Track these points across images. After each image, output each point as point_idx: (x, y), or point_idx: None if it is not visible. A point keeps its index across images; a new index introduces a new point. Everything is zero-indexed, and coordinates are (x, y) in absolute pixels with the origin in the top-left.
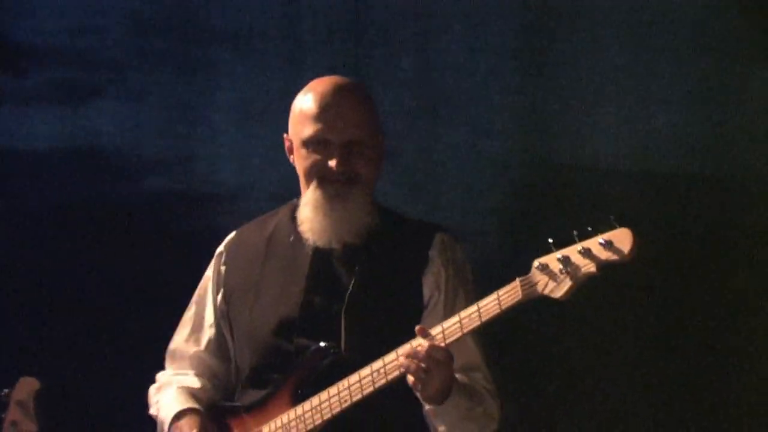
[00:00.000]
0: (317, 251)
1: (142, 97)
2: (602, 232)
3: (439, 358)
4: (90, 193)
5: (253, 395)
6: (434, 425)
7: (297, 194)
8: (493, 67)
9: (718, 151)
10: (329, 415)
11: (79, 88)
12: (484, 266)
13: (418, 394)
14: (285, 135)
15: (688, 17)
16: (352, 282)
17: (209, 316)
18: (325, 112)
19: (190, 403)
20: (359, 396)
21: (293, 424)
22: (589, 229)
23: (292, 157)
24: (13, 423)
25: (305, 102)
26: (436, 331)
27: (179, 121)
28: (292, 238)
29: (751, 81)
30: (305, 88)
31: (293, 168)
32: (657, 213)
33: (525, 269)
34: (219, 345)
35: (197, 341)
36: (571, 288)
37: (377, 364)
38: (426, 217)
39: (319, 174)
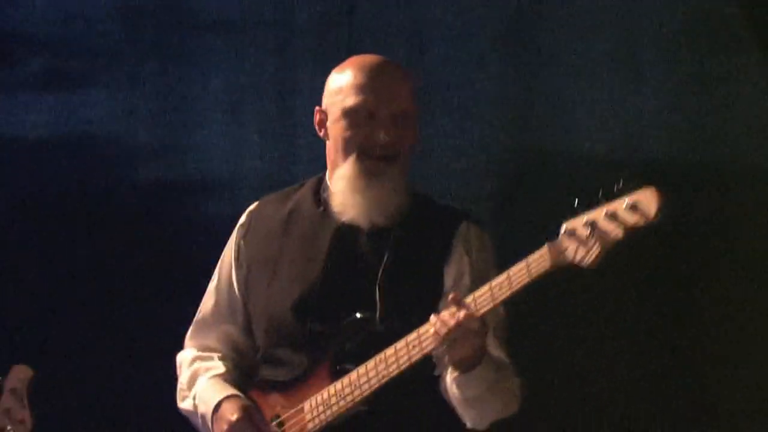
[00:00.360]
0: (339, 229)
1: (133, 85)
2: (628, 192)
3: (473, 328)
4: (82, 182)
5: (276, 373)
6: (458, 396)
7: (288, 181)
8: (484, 55)
9: (706, 138)
10: (368, 390)
11: (70, 76)
12: None
13: (446, 360)
14: (317, 108)
15: (677, 4)
16: (386, 257)
17: (235, 288)
18: (372, 82)
19: (227, 391)
20: (396, 370)
21: (333, 400)
22: (615, 189)
23: (323, 130)
24: (6, 410)
25: (348, 72)
26: (468, 299)
27: (171, 109)
28: (313, 215)
29: (739, 68)
30: (345, 63)
31: (285, 155)
32: None
33: (513, 255)
34: (246, 318)
35: (225, 314)
36: (599, 255)
37: (411, 336)
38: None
39: (360, 147)
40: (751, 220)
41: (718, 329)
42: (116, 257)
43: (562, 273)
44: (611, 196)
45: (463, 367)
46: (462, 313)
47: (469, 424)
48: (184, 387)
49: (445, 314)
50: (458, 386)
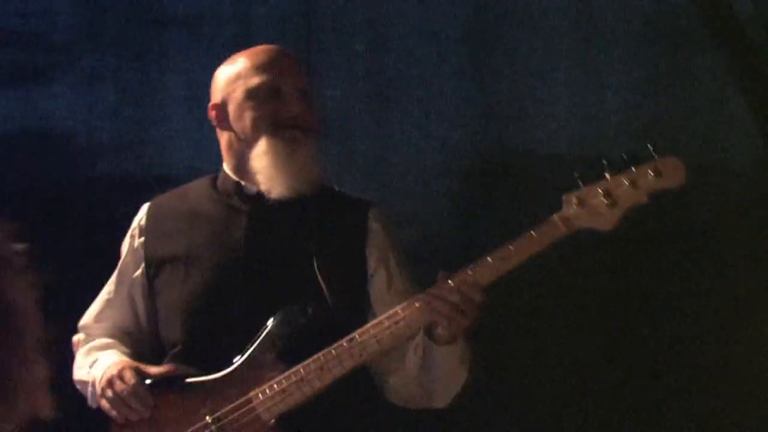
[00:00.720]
0: (251, 214)
1: (93, 80)
2: (639, 163)
3: (477, 300)
4: (41, 178)
5: (192, 371)
6: (436, 373)
7: None
8: (445, 52)
9: (668, 135)
10: (340, 373)
11: (29, 71)
12: (435, 251)
13: (436, 335)
14: (209, 105)
15: (639, 4)
16: (317, 238)
17: (125, 293)
18: (271, 61)
19: (121, 357)
20: (377, 349)
21: (297, 385)
22: (624, 156)
23: (221, 124)
24: None
25: (242, 60)
26: (461, 275)
27: (131, 104)
28: (218, 207)
29: (697, 67)
30: (232, 57)
31: None
32: None
33: (478, 254)
34: (135, 321)
35: (110, 317)
36: (619, 218)
37: (391, 314)
38: (378, 202)
39: (273, 121)
40: (709, 217)
41: (695, 332)
42: (74, 252)
43: (537, 273)
44: (617, 168)
45: (448, 339)
46: (467, 287)
47: (437, 401)
48: (81, 358)
49: (440, 291)
50: (437, 362)
